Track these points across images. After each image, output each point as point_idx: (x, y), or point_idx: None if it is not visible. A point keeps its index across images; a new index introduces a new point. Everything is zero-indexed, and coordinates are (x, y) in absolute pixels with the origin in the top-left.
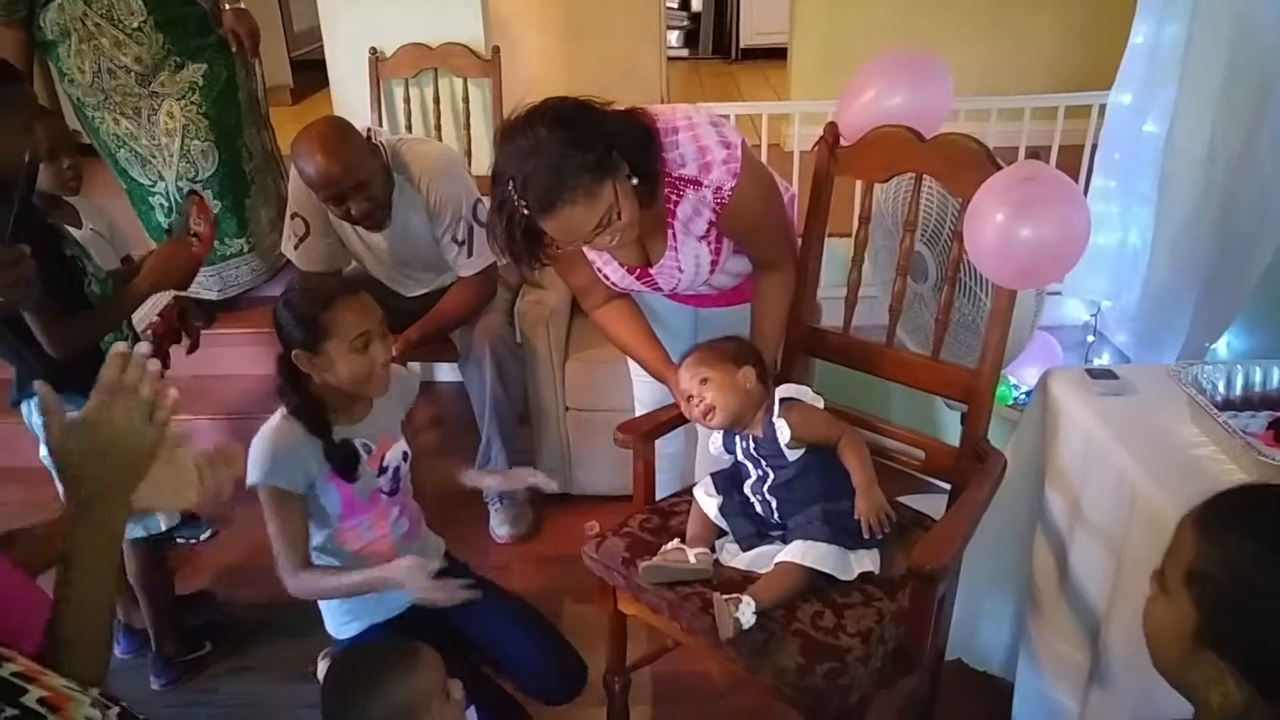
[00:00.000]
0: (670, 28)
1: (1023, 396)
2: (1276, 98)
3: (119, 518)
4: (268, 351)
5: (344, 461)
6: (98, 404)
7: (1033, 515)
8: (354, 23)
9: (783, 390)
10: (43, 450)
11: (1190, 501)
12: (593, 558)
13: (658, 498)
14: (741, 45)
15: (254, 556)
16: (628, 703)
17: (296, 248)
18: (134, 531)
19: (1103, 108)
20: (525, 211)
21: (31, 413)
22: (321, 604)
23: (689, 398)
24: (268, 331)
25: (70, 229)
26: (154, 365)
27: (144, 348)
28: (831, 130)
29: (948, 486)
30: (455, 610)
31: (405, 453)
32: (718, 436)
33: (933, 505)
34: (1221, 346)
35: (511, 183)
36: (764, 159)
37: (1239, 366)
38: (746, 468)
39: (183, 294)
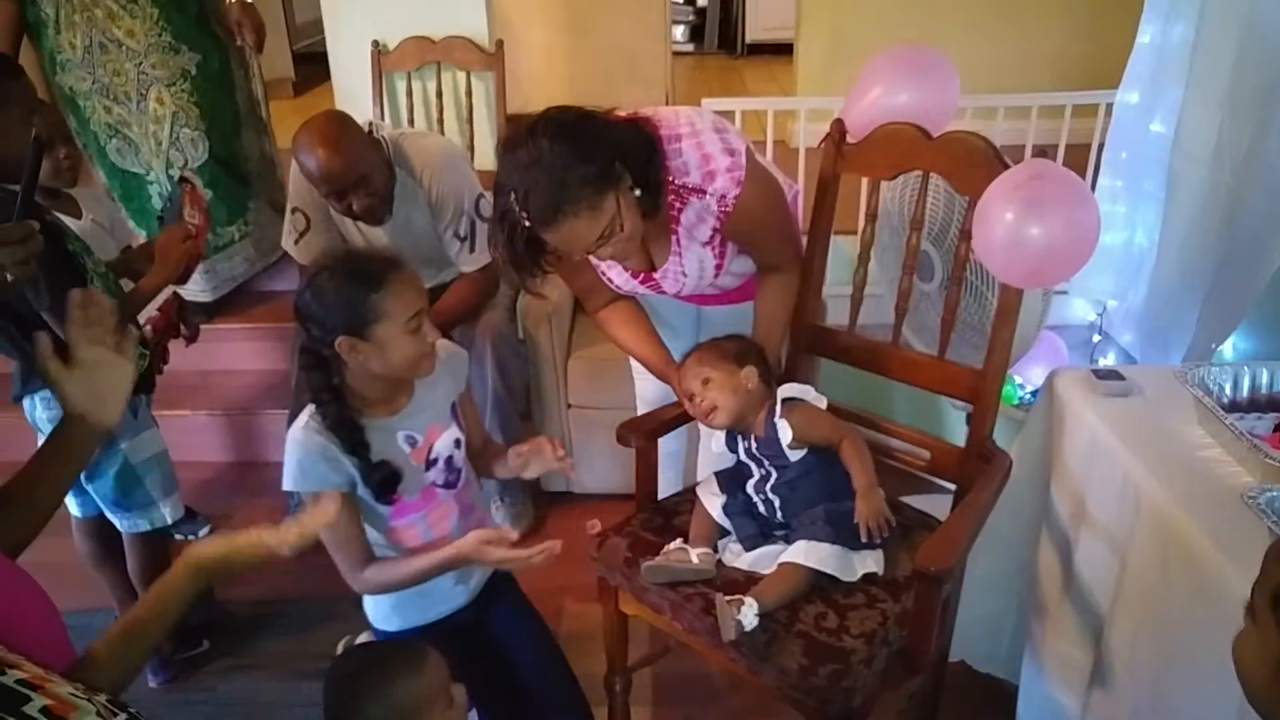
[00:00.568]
0: (675, 22)
1: (1028, 396)
2: None
3: (95, 437)
4: (269, 346)
5: (381, 483)
6: (82, 346)
7: (1037, 516)
8: (357, 15)
9: (785, 390)
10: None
11: (1195, 505)
12: (595, 557)
13: (660, 496)
14: (747, 40)
15: None
16: (629, 704)
17: (297, 243)
18: (138, 525)
19: (1110, 107)
20: (527, 224)
21: (35, 407)
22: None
23: (691, 397)
24: (269, 326)
25: (70, 222)
26: (106, 300)
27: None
28: (838, 127)
29: (953, 487)
30: (496, 628)
31: (458, 439)
32: (720, 436)
33: (937, 505)
34: (1227, 348)
35: (513, 194)
36: (769, 156)
37: (1246, 368)
38: (749, 467)
39: (180, 291)
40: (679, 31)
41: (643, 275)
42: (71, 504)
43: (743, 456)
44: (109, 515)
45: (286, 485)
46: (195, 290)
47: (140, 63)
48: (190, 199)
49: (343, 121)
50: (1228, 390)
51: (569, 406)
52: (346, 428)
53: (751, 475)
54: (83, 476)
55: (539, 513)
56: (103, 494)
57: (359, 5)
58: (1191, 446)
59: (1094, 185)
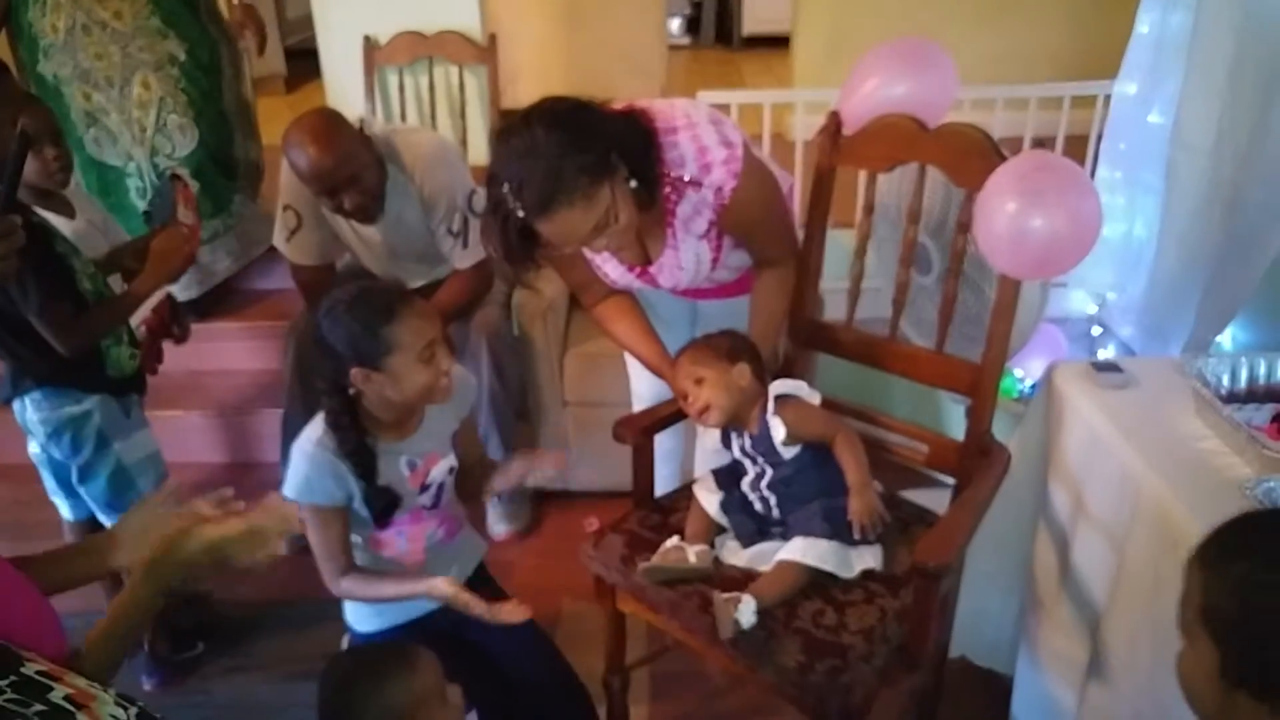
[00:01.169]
0: (671, 15)
1: (1027, 389)
2: None
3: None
4: (262, 345)
5: (383, 508)
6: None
7: (1036, 510)
8: (347, 10)
9: (777, 387)
10: (32, 447)
11: (1194, 496)
12: (592, 556)
13: (658, 493)
14: (744, 33)
15: None
16: (627, 702)
17: (288, 240)
18: None
19: (1108, 98)
20: (521, 214)
21: (25, 409)
22: None
23: (685, 396)
24: (261, 325)
25: (63, 222)
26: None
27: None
28: (834, 120)
29: (951, 481)
30: (481, 626)
31: (452, 467)
32: (714, 433)
33: (935, 499)
34: (1226, 339)
35: (507, 184)
36: (766, 149)
37: (1244, 359)
38: (744, 465)
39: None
40: (675, 24)
41: (639, 269)
42: (63, 507)
43: (737, 454)
44: (101, 518)
45: (288, 494)
46: (178, 288)
47: (126, 45)
48: (184, 197)
49: (333, 119)
50: (1226, 381)
51: (565, 403)
52: (361, 455)
53: (746, 473)
54: (75, 479)
55: (536, 511)
56: (95, 496)
57: (350, 0)
58: (1190, 438)
59: (1092, 177)
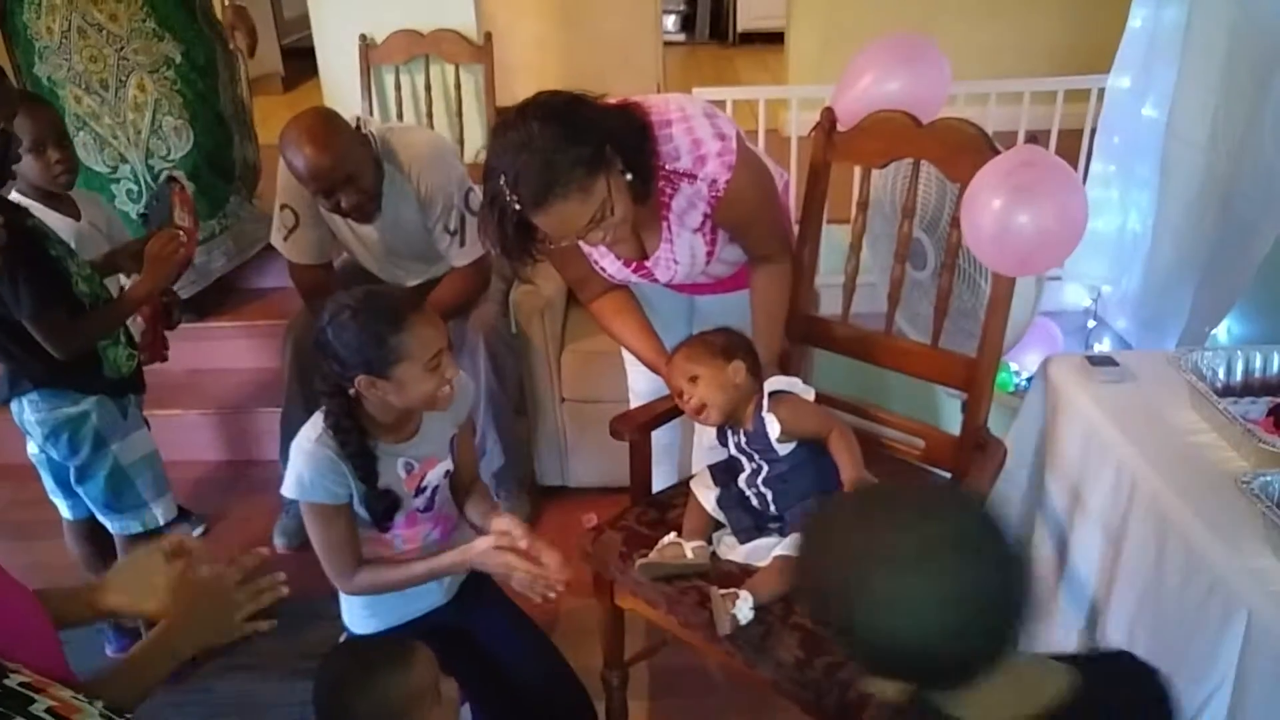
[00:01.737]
0: (666, 12)
1: (1023, 383)
2: (1278, 82)
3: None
4: (261, 343)
5: (383, 511)
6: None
7: (1032, 504)
8: (343, 9)
9: (771, 383)
10: (31, 448)
11: (1190, 491)
12: (589, 552)
13: (656, 489)
14: (739, 29)
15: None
16: (626, 698)
17: (286, 239)
18: (130, 527)
19: (1102, 91)
20: (517, 206)
21: (23, 410)
22: (342, 597)
23: (681, 394)
24: (260, 323)
25: (67, 224)
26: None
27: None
28: (828, 116)
29: (947, 475)
30: (478, 626)
31: (448, 471)
32: (711, 429)
33: None
34: (1221, 332)
35: (503, 177)
36: (761, 145)
37: (1239, 353)
38: (740, 461)
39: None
40: (670, 21)
41: (635, 263)
42: (62, 506)
43: (733, 450)
44: (100, 518)
45: (288, 492)
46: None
47: (121, 48)
48: (180, 200)
49: (329, 119)
50: (1221, 375)
51: (563, 400)
52: (362, 457)
53: (743, 469)
54: (73, 479)
55: (535, 508)
56: (93, 496)
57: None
58: (1185, 432)
59: (1087, 170)
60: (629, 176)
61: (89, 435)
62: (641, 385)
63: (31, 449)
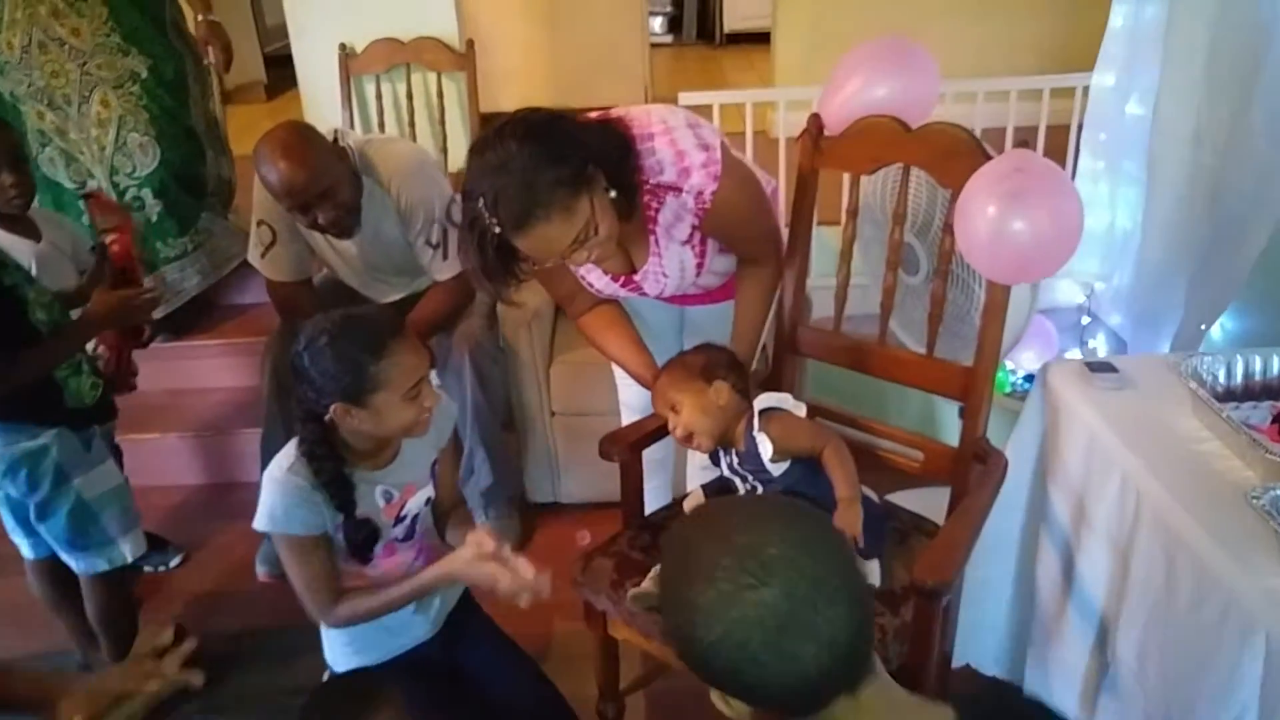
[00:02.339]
0: (653, 13)
1: (1021, 383)
2: (1262, 77)
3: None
4: (239, 362)
5: (362, 541)
6: None
7: (1035, 514)
8: (322, 18)
9: (761, 401)
10: None
11: (1197, 504)
12: (580, 581)
13: (649, 506)
14: (726, 30)
15: (227, 582)
16: None
17: (263, 256)
18: (95, 566)
19: (1087, 89)
20: (497, 230)
21: None
22: (324, 632)
23: (668, 421)
24: (239, 341)
25: (26, 246)
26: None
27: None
28: (815, 123)
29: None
30: (467, 657)
31: (429, 498)
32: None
33: (929, 501)
34: (1215, 329)
35: (482, 200)
36: (749, 147)
37: (1239, 356)
38: (733, 481)
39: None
40: (657, 23)
41: (623, 278)
42: (23, 546)
43: (726, 471)
44: (64, 557)
45: (259, 526)
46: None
47: (85, 63)
48: (97, 208)
49: (304, 132)
50: (1221, 379)
51: (553, 414)
52: (338, 485)
53: (736, 490)
54: (33, 517)
55: (526, 525)
56: (55, 534)
57: (324, 7)
58: (1189, 440)
59: (1075, 167)
60: (613, 194)
61: (49, 470)
62: (633, 399)
63: None
